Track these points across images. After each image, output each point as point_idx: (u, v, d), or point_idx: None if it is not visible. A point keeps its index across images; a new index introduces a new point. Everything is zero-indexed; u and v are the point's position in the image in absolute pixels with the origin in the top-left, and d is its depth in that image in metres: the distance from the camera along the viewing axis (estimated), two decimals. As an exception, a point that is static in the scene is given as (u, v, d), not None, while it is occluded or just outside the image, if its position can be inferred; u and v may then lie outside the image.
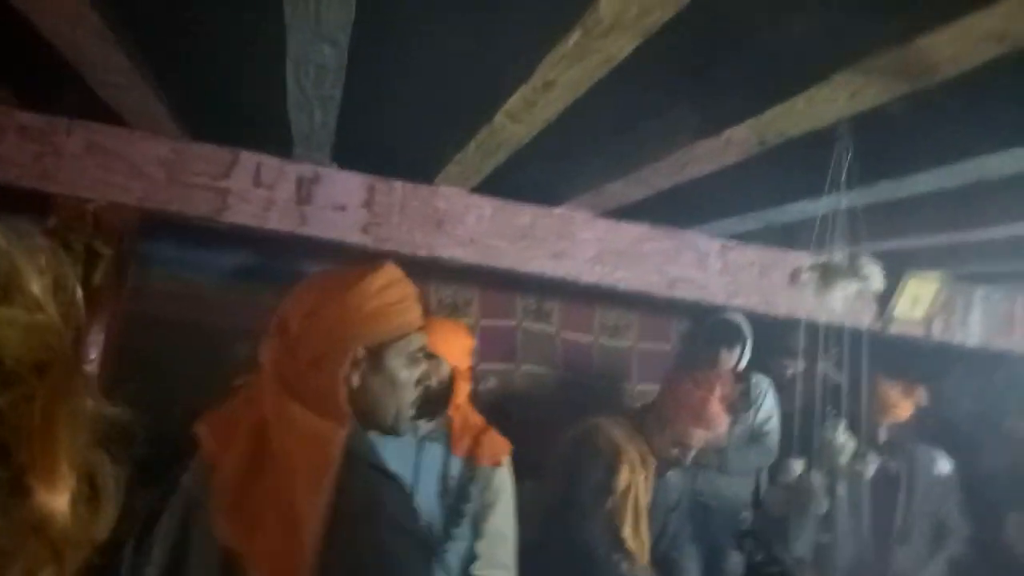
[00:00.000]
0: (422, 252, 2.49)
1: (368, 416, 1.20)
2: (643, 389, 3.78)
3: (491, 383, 3.73)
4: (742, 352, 2.93)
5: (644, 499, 2.26)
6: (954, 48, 1.11)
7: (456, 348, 2.18)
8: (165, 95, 1.97)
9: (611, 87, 1.45)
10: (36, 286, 0.45)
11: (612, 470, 2.28)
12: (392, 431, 1.25)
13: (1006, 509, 2.76)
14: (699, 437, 2.28)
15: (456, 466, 2.07)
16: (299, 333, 1.11)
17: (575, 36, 1.23)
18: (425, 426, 2.09)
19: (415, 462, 2.07)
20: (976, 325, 3.07)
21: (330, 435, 1.04)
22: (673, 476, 2.43)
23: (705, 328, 2.97)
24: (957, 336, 3.05)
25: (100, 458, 0.50)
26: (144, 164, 2.29)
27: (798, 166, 1.83)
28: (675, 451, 2.32)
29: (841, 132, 1.59)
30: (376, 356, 1.17)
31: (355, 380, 1.15)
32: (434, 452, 2.08)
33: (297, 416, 1.05)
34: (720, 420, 2.29)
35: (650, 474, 2.31)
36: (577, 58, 1.31)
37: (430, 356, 2.00)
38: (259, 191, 2.36)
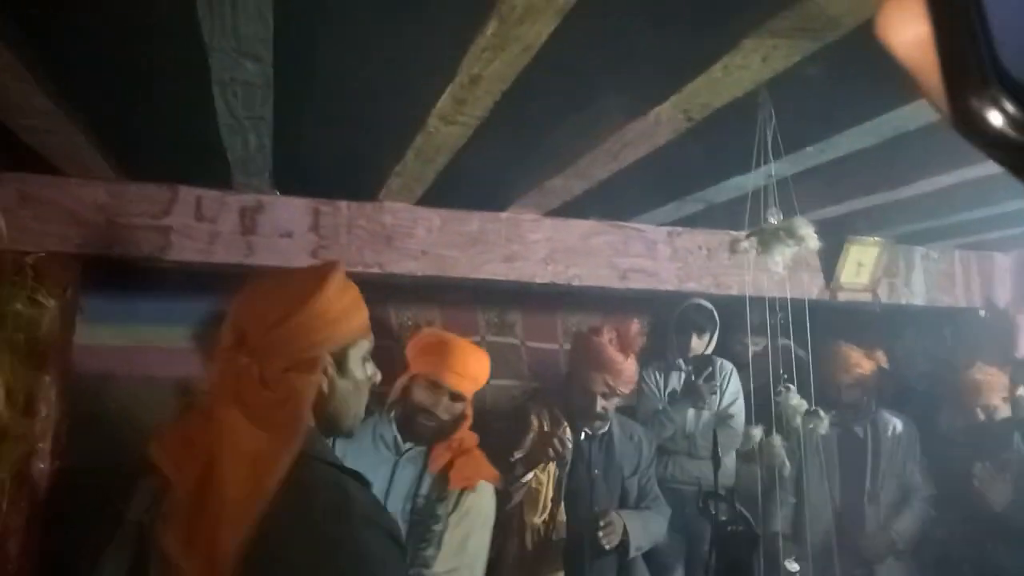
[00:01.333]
0: (374, 269, 2.49)
1: (331, 421, 1.19)
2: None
3: (461, 402, 3.72)
4: (712, 336, 2.97)
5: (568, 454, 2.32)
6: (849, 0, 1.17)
7: (476, 375, 2.13)
8: (94, 136, 1.96)
9: (537, 77, 1.49)
10: None
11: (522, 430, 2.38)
12: (349, 433, 1.25)
13: (971, 461, 2.83)
14: (599, 381, 2.33)
15: (427, 485, 2.03)
16: (264, 344, 1.09)
17: (492, 26, 1.26)
18: (408, 446, 2.07)
19: (389, 478, 2.04)
20: (919, 285, 3.18)
21: (276, 455, 1.02)
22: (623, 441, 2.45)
23: (677, 315, 3.01)
24: (903, 297, 3.15)
25: (34, 375, 0.51)
26: (81, 210, 2.25)
27: (727, 140, 1.89)
28: (582, 401, 2.37)
29: (762, 99, 1.65)
30: (341, 360, 1.18)
31: (325, 386, 1.15)
32: (408, 470, 2.06)
33: (243, 433, 1.04)
34: (618, 363, 2.32)
35: (563, 433, 2.34)
36: (498, 48, 1.35)
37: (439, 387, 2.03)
38: (202, 225, 2.34)
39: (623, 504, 2.42)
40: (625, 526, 2.27)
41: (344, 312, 1.17)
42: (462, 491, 2.02)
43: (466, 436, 2.10)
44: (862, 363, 2.92)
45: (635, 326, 2.40)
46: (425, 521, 1.98)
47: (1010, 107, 0.20)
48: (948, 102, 0.21)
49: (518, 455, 2.33)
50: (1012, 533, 2.59)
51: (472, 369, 2.10)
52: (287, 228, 2.44)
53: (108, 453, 2.49)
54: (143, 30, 1.45)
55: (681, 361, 2.99)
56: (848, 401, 2.85)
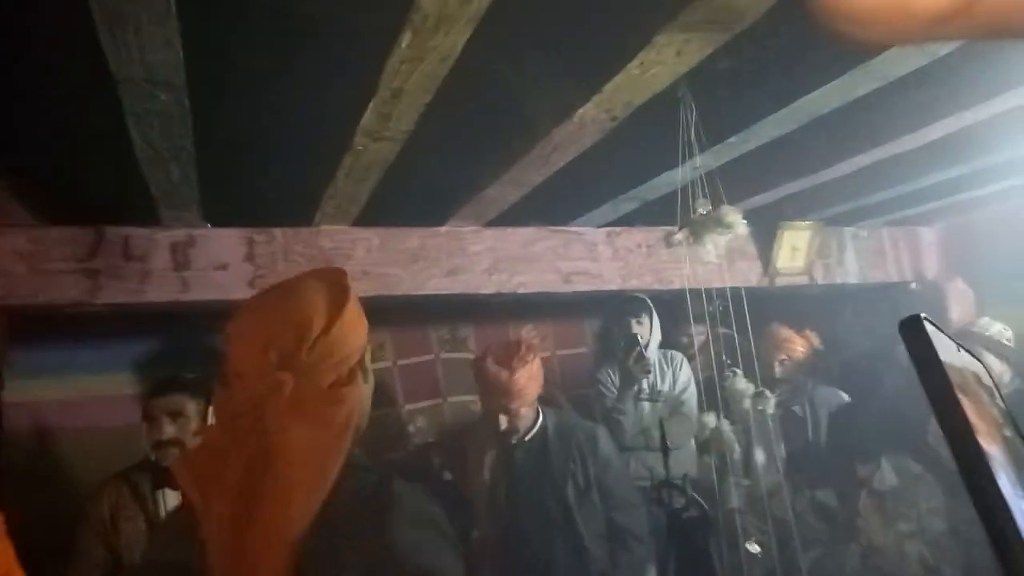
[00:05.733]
0: (315, 295, 2.44)
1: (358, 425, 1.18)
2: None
3: (420, 423, 3.68)
4: (651, 323, 3.00)
5: (486, 473, 2.47)
6: (750, -10, 1.21)
7: None
8: (7, 180, 1.89)
9: (458, 87, 1.49)
10: None
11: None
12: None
13: (925, 422, 2.90)
14: (496, 402, 2.39)
15: None
16: (316, 355, 1.04)
17: (406, 37, 1.26)
18: None
19: None
20: (852, 264, 3.28)
21: (334, 452, 1.00)
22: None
23: (615, 306, 3.05)
24: (838, 277, 3.25)
25: None
26: (0, 259, 2.17)
27: (653, 137, 1.92)
28: (490, 422, 2.44)
29: (681, 94, 1.68)
30: (363, 364, 1.15)
31: None
32: None
33: (305, 437, 0.99)
34: (502, 380, 2.35)
35: (490, 451, 2.49)
36: (416, 60, 1.35)
37: None
38: (131, 265, 2.27)
39: (567, 514, 2.40)
40: None
41: (361, 314, 1.15)
42: None
43: None
44: (794, 341, 3.01)
45: (524, 339, 2.44)
46: None
47: None
48: None
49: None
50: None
51: None
52: (222, 260, 2.38)
53: (49, 509, 2.39)
54: (47, 65, 1.41)
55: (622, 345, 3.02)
56: (782, 378, 2.93)
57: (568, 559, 2.36)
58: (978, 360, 0.55)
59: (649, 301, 3.00)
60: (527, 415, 2.46)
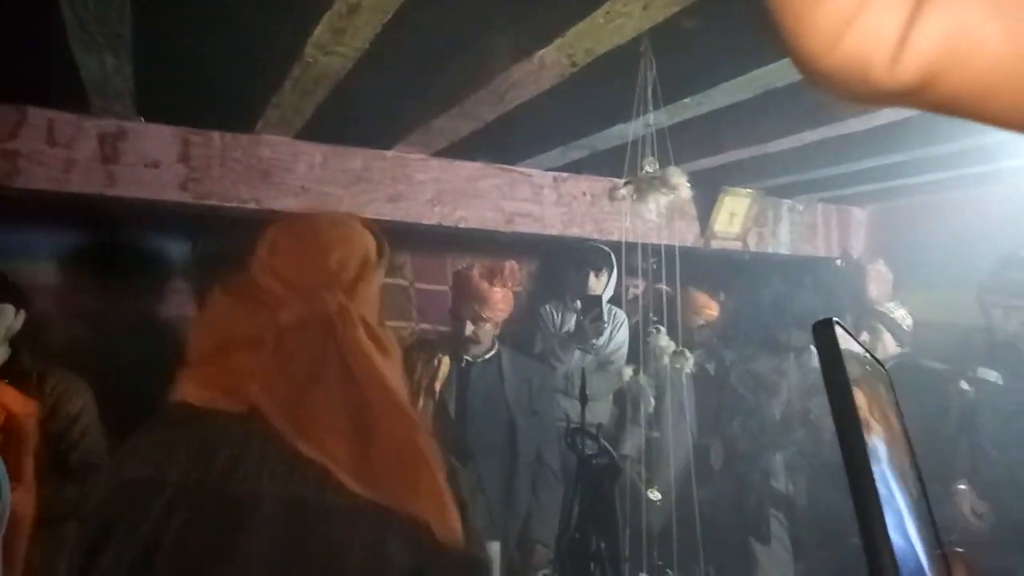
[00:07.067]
0: (250, 205, 2.38)
1: None
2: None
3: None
4: (609, 276, 3.04)
5: (437, 387, 2.51)
6: (724, -47, 1.20)
7: None
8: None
9: (419, 10, 1.44)
10: None
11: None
12: None
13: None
14: (467, 308, 2.49)
15: None
16: (368, 289, 0.98)
17: (370, -48, 1.21)
18: None
19: None
20: (785, 235, 3.39)
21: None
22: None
23: (576, 254, 3.06)
24: (770, 246, 3.35)
25: None
26: (-91, 130, 2.02)
27: (610, 88, 1.91)
28: (457, 328, 2.53)
29: (643, 48, 1.67)
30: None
31: None
32: None
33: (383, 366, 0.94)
34: (483, 290, 2.47)
35: (443, 367, 2.54)
36: (377, -23, 1.29)
37: None
38: (55, 151, 2.15)
39: (512, 434, 2.50)
40: None
41: None
42: None
43: None
44: (709, 305, 3.12)
45: (509, 264, 2.49)
46: None
47: None
48: None
49: None
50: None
51: None
52: (153, 158, 2.28)
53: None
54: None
55: (578, 302, 3.04)
56: (699, 341, 3.04)
57: (504, 480, 2.47)
58: (882, 367, 0.59)
59: (613, 256, 3.00)
60: (489, 334, 2.55)
